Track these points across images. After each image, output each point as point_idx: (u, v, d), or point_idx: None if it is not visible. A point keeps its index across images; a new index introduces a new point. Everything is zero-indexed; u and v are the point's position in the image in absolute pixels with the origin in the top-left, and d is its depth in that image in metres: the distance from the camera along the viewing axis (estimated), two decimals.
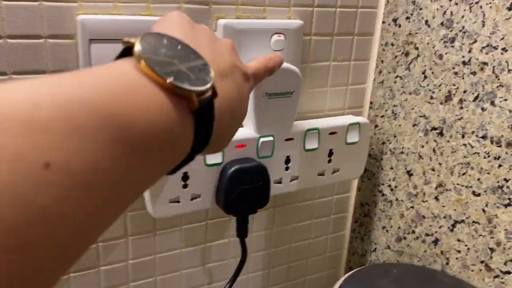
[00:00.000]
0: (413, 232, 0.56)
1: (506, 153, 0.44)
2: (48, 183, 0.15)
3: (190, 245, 0.56)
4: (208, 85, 0.23)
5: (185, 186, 0.47)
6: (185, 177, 0.47)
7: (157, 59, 0.22)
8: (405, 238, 0.58)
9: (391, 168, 0.59)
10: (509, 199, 0.44)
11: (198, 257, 0.57)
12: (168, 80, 0.21)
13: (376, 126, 0.61)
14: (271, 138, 0.50)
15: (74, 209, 0.16)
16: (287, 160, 0.53)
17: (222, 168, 0.48)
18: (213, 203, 0.49)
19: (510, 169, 0.44)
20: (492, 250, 0.46)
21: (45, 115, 0.16)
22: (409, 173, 0.56)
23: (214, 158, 0.47)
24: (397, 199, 0.58)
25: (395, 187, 0.58)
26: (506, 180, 0.44)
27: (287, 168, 0.53)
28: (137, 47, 0.22)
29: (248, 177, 0.48)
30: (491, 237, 0.46)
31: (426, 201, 0.54)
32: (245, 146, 0.49)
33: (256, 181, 0.48)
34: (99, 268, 0.51)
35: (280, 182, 0.53)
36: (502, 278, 0.46)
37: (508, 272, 0.45)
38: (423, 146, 0.53)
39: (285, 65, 0.48)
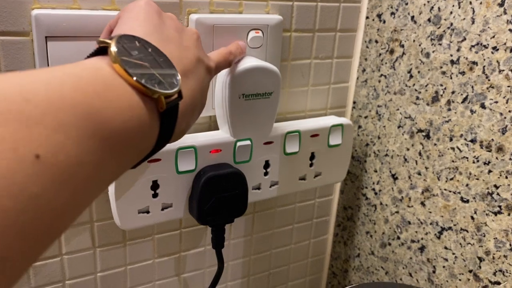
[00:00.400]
0: (398, 238, 0.54)
1: (496, 158, 0.41)
2: (39, 173, 0.17)
3: (163, 255, 0.53)
4: (176, 89, 0.25)
5: (155, 195, 0.43)
6: (155, 186, 0.43)
7: (131, 61, 0.23)
8: (389, 244, 0.55)
9: (375, 171, 0.56)
10: (499, 206, 0.42)
11: (172, 267, 0.54)
12: (141, 82, 0.23)
13: (359, 127, 0.58)
14: (248, 142, 0.47)
15: (59, 197, 0.18)
16: (266, 165, 0.49)
17: (195, 176, 0.45)
18: (186, 213, 0.46)
19: (500, 175, 0.41)
20: (480, 259, 0.44)
21: (35, 110, 0.18)
22: (394, 177, 0.53)
23: (187, 165, 0.44)
24: (381, 203, 0.56)
25: (379, 190, 0.56)
26: (496, 187, 0.42)
27: (266, 173, 0.50)
28: (113, 48, 0.23)
29: (224, 184, 0.45)
30: (479, 246, 0.44)
31: (412, 206, 0.51)
32: (221, 151, 0.45)
33: (232, 189, 0.45)
34: (64, 282, 0.48)
35: (259, 188, 0.50)
36: None
37: (497, 283, 0.43)
38: (408, 149, 0.51)
39: (264, 64, 0.44)
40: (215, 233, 0.47)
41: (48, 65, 0.38)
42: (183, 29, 0.32)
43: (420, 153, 0.49)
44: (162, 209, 0.45)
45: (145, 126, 0.23)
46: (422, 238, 0.50)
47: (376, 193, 0.57)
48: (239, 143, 0.46)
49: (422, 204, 0.50)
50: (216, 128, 0.48)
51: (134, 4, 0.31)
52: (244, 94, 0.44)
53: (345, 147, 0.54)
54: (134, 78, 0.23)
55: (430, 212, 0.49)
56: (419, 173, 0.50)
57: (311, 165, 0.53)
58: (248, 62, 0.43)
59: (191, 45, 0.31)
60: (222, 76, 0.44)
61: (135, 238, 0.50)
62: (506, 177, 0.41)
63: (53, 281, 0.47)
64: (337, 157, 0.54)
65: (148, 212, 0.44)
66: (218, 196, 0.44)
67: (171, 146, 0.43)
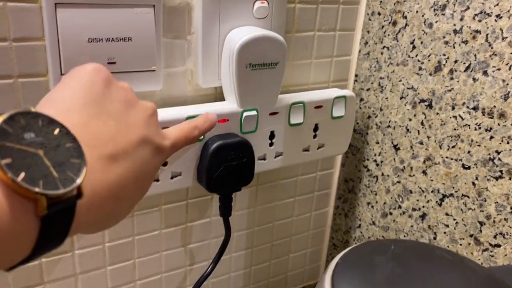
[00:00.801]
0: (400, 207, 0.55)
1: (498, 124, 0.43)
2: None
3: (170, 225, 0.54)
4: (70, 187, 0.21)
5: (164, 164, 0.44)
6: None
7: (15, 147, 0.20)
8: (391, 213, 0.57)
9: (377, 143, 0.57)
10: (501, 171, 0.43)
11: (178, 238, 0.55)
12: (15, 178, 0.19)
13: (361, 100, 0.59)
14: (254, 113, 0.47)
15: None
16: (272, 136, 0.50)
17: (203, 145, 0.45)
18: (195, 182, 0.47)
19: (502, 141, 0.43)
20: (481, 223, 0.46)
21: None
22: (396, 147, 0.54)
23: None
24: (383, 174, 0.57)
25: (381, 162, 0.57)
26: (498, 152, 0.43)
27: (271, 144, 0.50)
28: None
29: (232, 153, 0.45)
30: (480, 211, 0.45)
31: (413, 175, 0.52)
32: (228, 121, 0.46)
33: (240, 158, 0.46)
34: (73, 252, 0.48)
35: (264, 159, 0.51)
36: (491, 252, 0.45)
37: (497, 245, 0.44)
38: (410, 119, 0.52)
39: (270, 33, 0.45)
40: (222, 202, 0.48)
41: (57, 34, 0.38)
42: (134, 103, 0.28)
43: (422, 123, 0.50)
44: (172, 178, 0.45)
45: (8, 233, 0.19)
46: (423, 206, 0.52)
47: (377, 164, 0.58)
48: (245, 113, 0.47)
49: (424, 172, 0.51)
50: (222, 100, 0.48)
51: (79, 69, 0.28)
52: (250, 64, 0.44)
53: (348, 119, 0.55)
54: (5, 172, 0.19)
55: (432, 180, 0.50)
56: (421, 143, 0.51)
57: (314, 136, 0.54)
58: (255, 32, 0.44)
59: (138, 122, 0.27)
60: (229, 47, 0.44)
61: (142, 209, 0.51)
62: (508, 142, 0.42)
63: (62, 251, 0.48)
64: (340, 129, 0.55)
65: (157, 180, 0.44)
66: (226, 164, 0.45)
67: (179, 115, 0.43)
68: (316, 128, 0.53)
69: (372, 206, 0.59)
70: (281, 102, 0.49)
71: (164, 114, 0.43)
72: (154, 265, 0.54)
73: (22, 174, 0.19)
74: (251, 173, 0.47)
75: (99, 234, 0.49)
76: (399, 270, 0.28)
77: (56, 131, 0.21)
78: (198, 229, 0.56)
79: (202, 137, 0.45)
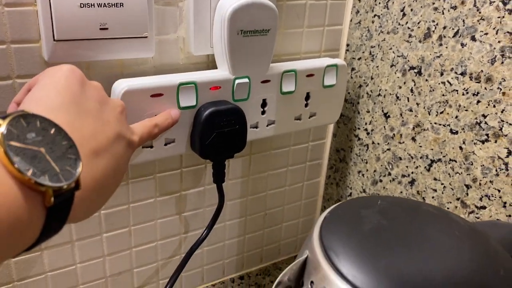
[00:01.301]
0: (389, 174, 0.56)
1: (485, 88, 0.44)
2: None
3: (164, 194, 0.54)
4: (71, 180, 0.23)
5: None
6: None
7: (21, 146, 0.22)
8: (381, 180, 0.58)
9: (368, 112, 0.58)
10: (487, 135, 0.44)
11: (173, 206, 0.56)
12: (25, 174, 0.21)
13: (353, 69, 0.60)
14: (246, 80, 0.48)
15: None
16: (264, 104, 0.51)
17: (196, 111, 0.46)
18: (189, 148, 0.47)
19: (488, 105, 0.44)
20: (468, 186, 0.47)
21: None
22: (386, 115, 0.55)
23: (188, 101, 0.45)
24: (373, 143, 0.58)
25: (372, 130, 0.58)
26: (484, 116, 0.44)
27: (263, 112, 0.51)
28: (2, 130, 0.21)
29: (224, 120, 0.46)
30: (467, 174, 0.47)
31: (403, 142, 0.53)
32: (220, 88, 0.46)
33: (232, 124, 0.47)
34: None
35: (256, 127, 0.51)
36: (477, 214, 0.46)
37: (483, 207, 0.46)
38: (400, 87, 0.53)
39: (261, 0, 0.45)
40: (216, 168, 0.49)
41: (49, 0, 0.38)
42: (106, 101, 0.31)
43: (412, 90, 0.51)
44: (165, 144, 0.46)
45: (25, 220, 0.22)
46: (412, 172, 0.53)
47: (368, 133, 0.59)
48: (237, 81, 0.47)
49: (413, 139, 0.52)
50: (214, 68, 0.48)
51: (55, 70, 0.29)
52: (242, 30, 0.45)
53: (339, 87, 0.56)
54: (17, 169, 0.21)
55: (421, 147, 0.51)
56: (410, 110, 0.52)
57: (306, 105, 0.54)
58: None
59: (112, 119, 0.30)
60: (221, 13, 0.44)
61: (137, 177, 0.52)
62: (494, 106, 0.43)
63: None
64: (331, 98, 0.56)
65: (151, 146, 0.45)
66: (219, 131, 0.46)
67: (172, 82, 0.44)
68: (307, 97, 0.54)
69: (363, 175, 0.61)
70: (272, 70, 0.50)
71: (158, 80, 0.43)
72: (150, 232, 0.55)
73: (30, 170, 0.21)
74: (243, 140, 0.48)
75: None
76: (385, 222, 0.30)
77: (52, 131, 0.23)
78: (192, 198, 0.57)
79: (195, 103, 0.45)
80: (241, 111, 0.47)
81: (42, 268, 0.49)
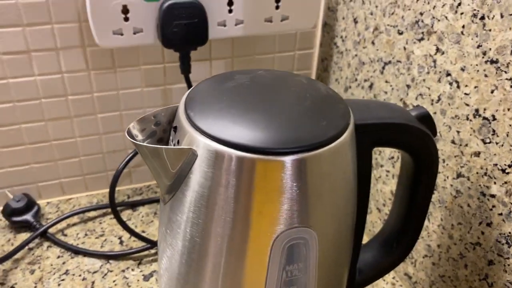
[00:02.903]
0: (356, 80, 0.58)
1: None
2: None
3: (150, 85, 0.62)
4: None
5: (126, 19, 0.52)
6: (125, 10, 0.51)
7: None
8: (350, 87, 0.60)
9: (343, 19, 0.60)
10: (422, 33, 0.45)
11: (159, 97, 0.64)
12: None
13: None
14: None
15: None
16: (230, 2, 0.55)
17: (160, 4, 0.52)
18: (156, 40, 0.54)
19: (425, 2, 0.44)
20: (408, 86, 0.48)
21: None
22: (355, 21, 0.57)
23: None
24: (346, 49, 0.60)
25: (345, 37, 0.60)
26: (421, 14, 0.45)
27: (230, 11, 0.55)
28: None
29: (183, 12, 0.51)
30: (408, 74, 0.48)
31: (366, 47, 0.55)
32: None
33: (191, 17, 0.52)
34: (67, 97, 0.59)
35: (224, 25, 0.56)
36: None
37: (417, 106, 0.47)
38: None
39: None
40: (181, 59, 0.55)
41: None
42: None
43: None
44: (134, 33, 0.53)
45: None
46: (371, 76, 0.55)
47: (343, 40, 0.61)
48: None
49: (372, 43, 0.54)
50: None
51: None
52: None
53: None
54: None
55: (377, 50, 0.53)
56: (371, 13, 0.53)
57: (277, 7, 0.57)
58: None
59: None
60: None
61: (123, 66, 0.60)
62: (428, 3, 0.44)
63: (58, 94, 0.59)
64: (305, 2, 0.58)
65: (122, 34, 0.52)
66: (177, 22, 0.51)
67: None
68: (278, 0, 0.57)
69: (338, 82, 0.63)
70: None
71: None
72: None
73: None
74: (204, 34, 0.54)
75: (87, 84, 0.59)
76: (248, 82, 0.34)
77: None
78: (176, 92, 0.64)
79: None
80: (201, 6, 0.52)
81: (47, 136, 0.61)
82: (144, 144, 0.31)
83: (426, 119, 0.36)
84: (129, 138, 0.32)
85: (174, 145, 0.33)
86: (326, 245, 0.33)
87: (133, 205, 0.66)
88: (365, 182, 0.36)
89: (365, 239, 0.43)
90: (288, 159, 0.29)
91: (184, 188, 0.31)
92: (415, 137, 0.36)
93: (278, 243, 0.30)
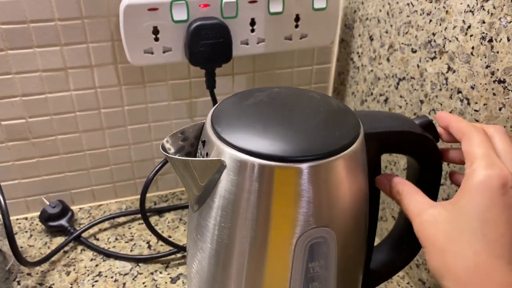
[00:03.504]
0: (372, 94, 0.61)
1: (435, 8, 0.47)
2: None
3: (177, 99, 0.66)
4: None
5: (156, 39, 0.56)
6: (156, 31, 0.55)
7: None
8: (366, 100, 0.63)
9: (359, 35, 0.63)
10: (434, 52, 0.48)
11: (185, 110, 0.68)
12: None
13: None
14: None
15: None
16: (253, 23, 0.59)
17: (188, 25, 0.55)
18: (183, 57, 0.58)
19: (436, 23, 0.47)
20: (421, 102, 0.51)
21: None
22: (371, 38, 0.60)
23: (180, 15, 0.55)
24: (362, 65, 0.63)
25: (362, 53, 0.63)
26: (434, 34, 0.48)
27: (253, 30, 0.59)
28: None
29: (210, 33, 0.55)
30: (421, 90, 0.51)
31: (381, 63, 0.58)
32: (209, 5, 0.55)
33: (217, 37, 0.56)
34: (100, 110, 0.64)
35: (247, 43, 0.60)
36: None
37: None
38: (380, 10, 0.57)
39: None
40: (207, 75, 0.59)
41: None
42: None
43: (388, 13, 0.55)
44: (164, 52, 0.57)
45: None
46: (386, 91, 0.58)
47: (359, 56, 0.64)
48: (225, 0, 0.55)
49: (388, 59, 0.57)
50: None
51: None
52: None
53: (331, 11, 0.61)
54: None
55: (392, 66, 0.56)
56: (386, 32, 0.56)
57: (296, 26, 0.61)
58: None
59: None
60: None
61: (152, 82, 0.64)
62: (440, 24, 0.46)
63: (91, 108, 0.63)
64: (322, 21, 0.61)
65: (152, 53, 0.56)
66: (204, 42, 0.55)
67: None
68: (297, 19, 0.60)
69: (355, 96, 0.66)
70: None
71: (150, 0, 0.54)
72: (166, 129, 0.68)
73: None
74: (229, 52, 0.57)
75: (118, 98, 0.63)
76: (268, 99, 0.37)
77: None
78: (201, 105, 0.68)
79: (186, 17, 0.55)
80: (226, 27, 0.56)
81: (81, 147, 0.65)
82: (178, 157, 0.35)
83: (429, 126, 0.39)
84: (163, 152, 0.36)
85: (203, 157, 0.36)
86: (344, 244, 0.36)
87: (160, 211, 0.69)
88: (375, 187, 0.39)
89: (377, 242, 0.46)
90: (304, 166, 0.32)
91: (213, 195, 0.35)
92: (419, 143, 0.39)
93: (300, 242, 0.34)
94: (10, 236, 0.52)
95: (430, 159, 0.40)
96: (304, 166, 0.32)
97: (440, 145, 0.40)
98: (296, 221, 0.34)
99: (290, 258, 0.34)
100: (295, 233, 0.34)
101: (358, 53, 0.64)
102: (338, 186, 0.34)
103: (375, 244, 0.43)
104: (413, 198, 0.34)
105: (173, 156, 0.35)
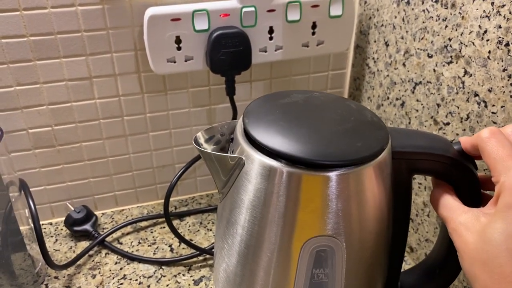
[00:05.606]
0: (388, 98, 0.63)
1: (451, 13, 0.48)
2: None
3: (197, 105, 0.68)
4: None
5: (179, 48, 0.58)
6: (178, 41, 0.57)
7: None
8: (382, 104, 0.64)
9: (375, 42, 0.64)
10: (451, 56, 0.49)
11: (204, 116, 0.69)
12: None
13: (365, 2, 0.65)
14: (252, 9, 0.58)
15: None
16: (271, 31, 0.60)
17: (209, 34, 0.57)
18: (204, 65, 0.60)
19: (452, 29, 0.48)
20: (438, 105, 0.52)
21: None
22: (387, 44, 0.61)
23: (202, 25, 0.57)
24: (378, 70, 0.64)
25: (377, 58, 0.64)
26: (450, 39, 0.49)
27: (271, 38, 0.61)
28: None
29: (230, 42, 0.57)
30: (438, 94, 0.52)
31: (397, 68, 0.59)
32: (229, 15, 0.57)
33: (237, 46, 0.57)
34: (123, 118, 0.66)
35: (265, 51, 0.62)
36: (443, 129, 0.52)
37: (448, 123, 0.51)
38: (396, 17, 0.58)
39: None
40: (227, 83, 0.61)
41: None
42: None
43: (403, 19, 0.57)
44: (186, 61, 0.59)
45: None
46: (402, 95, 0.59)
47: (375, 61, 0.65)
48: (244, 9, 0.57)
49: (404, 64, 0.58)
50: None
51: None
52: None
53: (347, 18, 0.62)
54: None
55: (408, 71, 0.57)
56: (402, 37, 0.57)
57: (313, 33, 0.62)
58: None
59: None
60: None
61: (173, 89, 0.66)
62: (456, 30, 0.48)
63: (115, 115, 0.65)
64: (338, 28, 0.63)
65: (174, 61, 0.58)
66: (225, 50, 0.57)
67: (188, 9, 0.56)
68: (314, 26, 0.62)
69: (371, 100, 0.68)
70: (278, 0, 0.59)
71: (176, 7, 0.55)
72: (186, 136, 0.70)
73: None
74: (248, 60, 0.59)
75: (141, 105, 0.65)
76: (301, 101, 0.39)
77: None
78: (220, 111, 0.70)
79: (207, 27, 0.57)
80: (245, 35, 0.58)
81: (104, 153, 0.67)
82: (202, 149, 0.38)
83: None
84: (195, 145, 0.38)
85: (230, 153, 0.38)
86: (355, 256, 0.35)
87: (181, 216, 0.71)
88: (404, 209, 0.38)
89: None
90: (317, 173, 0.32)
91: (241, 192, 0.36)
92: (454, 169, 0.36)
93: (306, 248, 0.34)
94: (41, 240, 0.54)
95: (466, 186, 0.37)
96: (319, 171, 0.32)
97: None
98: (306, 226, 0.34)
99: (295, 262, 0.35)
100: (303, 239, 0.34)
101: (373, 58, 0.65)
102: (355, 198, 0.34)
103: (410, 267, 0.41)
104: (446, 202, 0.35)
105: (201, 149, 0.37)
